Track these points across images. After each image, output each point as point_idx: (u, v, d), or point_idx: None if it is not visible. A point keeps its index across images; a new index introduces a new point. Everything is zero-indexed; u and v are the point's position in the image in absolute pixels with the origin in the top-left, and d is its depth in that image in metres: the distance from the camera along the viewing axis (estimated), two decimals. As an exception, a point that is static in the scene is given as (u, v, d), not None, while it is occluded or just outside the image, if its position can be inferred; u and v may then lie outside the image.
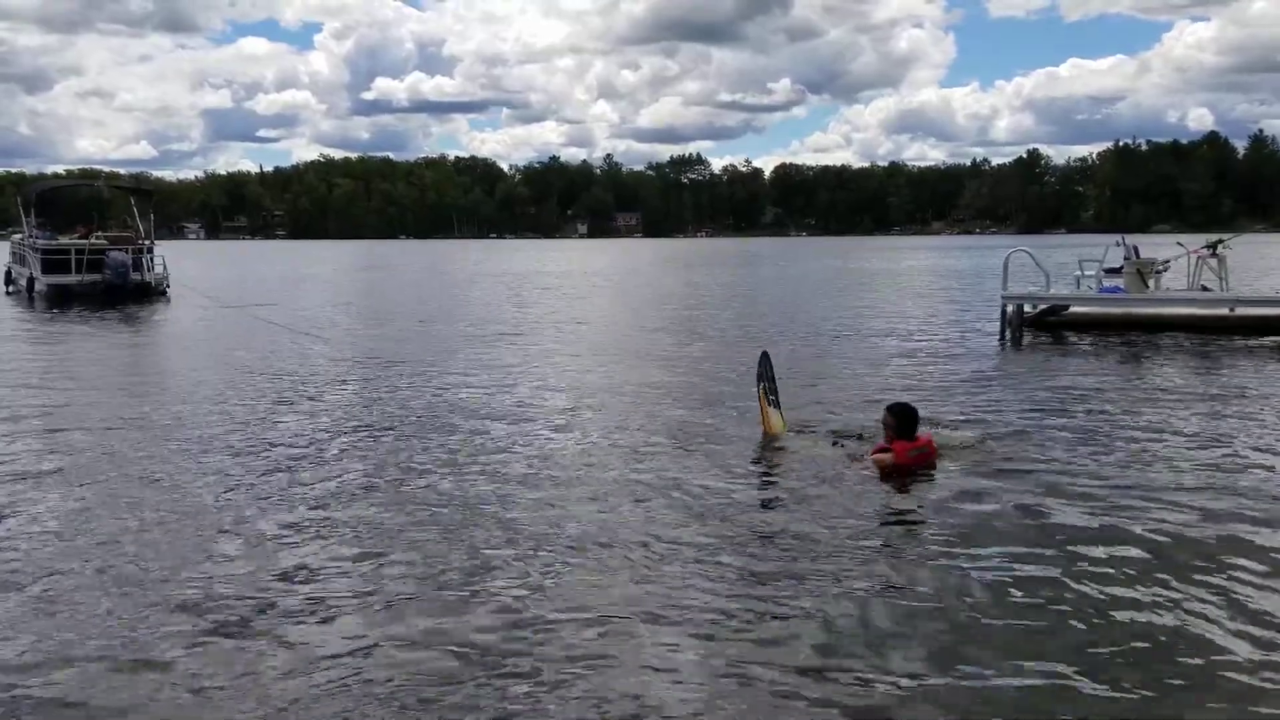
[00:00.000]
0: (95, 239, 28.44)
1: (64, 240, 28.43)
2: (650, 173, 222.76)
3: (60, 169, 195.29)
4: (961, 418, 9.93)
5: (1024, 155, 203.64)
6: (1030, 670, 4.38)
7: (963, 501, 6.95)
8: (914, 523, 6.57)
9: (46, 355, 16.40)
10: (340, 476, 7.88)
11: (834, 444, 8.45)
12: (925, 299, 28.79)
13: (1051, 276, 18.91)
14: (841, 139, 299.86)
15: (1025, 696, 4.16)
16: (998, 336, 17.63)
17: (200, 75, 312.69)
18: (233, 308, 25.75)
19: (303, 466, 8.22)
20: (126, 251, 27.69)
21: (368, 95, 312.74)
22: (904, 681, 4.27)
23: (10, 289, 31.30)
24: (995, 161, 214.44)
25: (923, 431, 8.13)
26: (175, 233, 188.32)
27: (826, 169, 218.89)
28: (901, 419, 7.93)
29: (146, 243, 29.45)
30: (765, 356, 9.49)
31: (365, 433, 9.61)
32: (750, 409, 9.71)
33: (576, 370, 14.01)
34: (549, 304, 27.88)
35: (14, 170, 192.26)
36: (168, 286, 29.13)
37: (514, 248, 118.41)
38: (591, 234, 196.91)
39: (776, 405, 9.27)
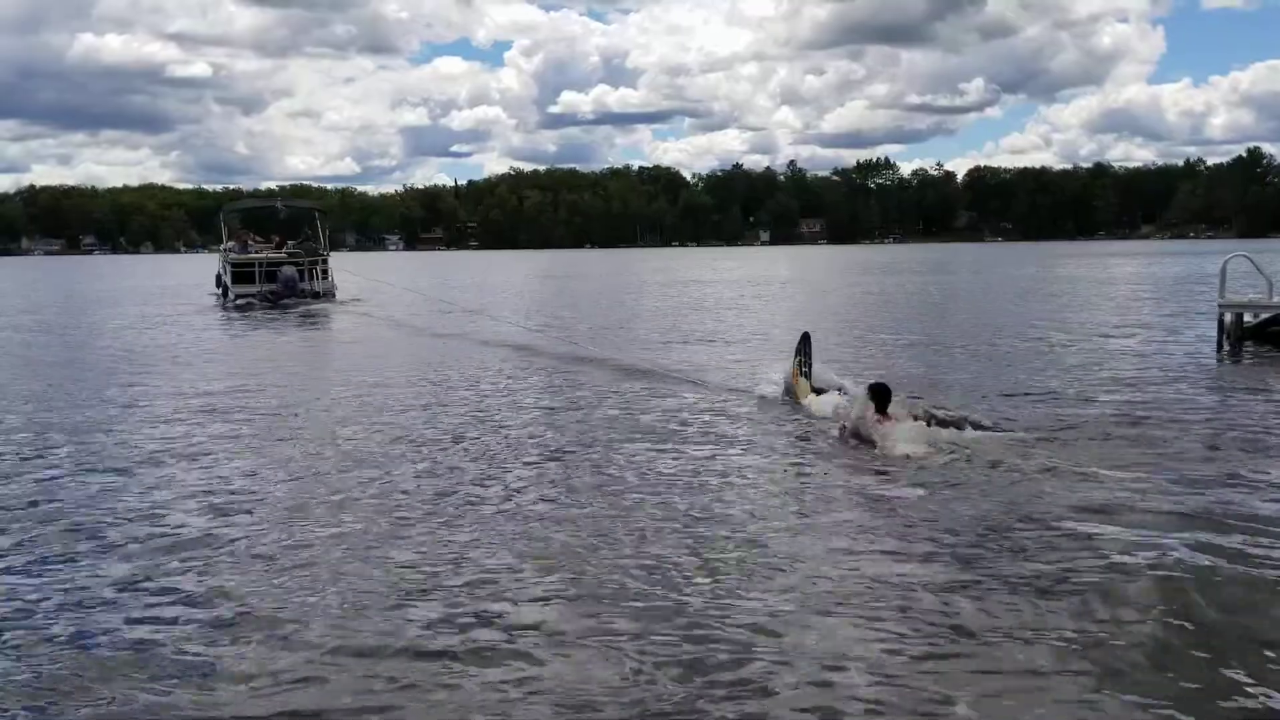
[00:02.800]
0: (285, 251, 32.97)
1: (250, 255, 32.77)
2: (835, 178, 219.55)
3: (273, 185, 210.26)
4: (1169, 434, 9.18)
5: (1243, 154, 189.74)
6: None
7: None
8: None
9: (237, 347, 17.66)
10: (504, 471, 8.02)
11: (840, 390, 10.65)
12: (1134, 307, 27.01)
13: (1275, 283, 17.31)
14: (1040, 140, 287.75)
15: None
16: (1214, 348, 16.31)
17: (399, 94, 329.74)
18: (401, 314, 26.91)
19: (464, 465, 8.41)
20: (302, 263, 32.37)
21: (554, 109, 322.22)
22: None
23: (220, 293, 35.50)
24: (1211, 161, 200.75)
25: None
26: (377, 244, 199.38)
27: (1025, 171, 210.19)
28: (877, 397, 8.98)
29: (324, 254, 33.76)
30: (806, 336, 11.68)
31: (522, 433, 9.75)
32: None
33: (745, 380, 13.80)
34: (727, 313, 27.75)
35: (231, 186, 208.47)
36: (335, 292, 32.97)
37: (697, 256, 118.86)
38: (774, 241, 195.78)
39: (807, 376, 11.31)
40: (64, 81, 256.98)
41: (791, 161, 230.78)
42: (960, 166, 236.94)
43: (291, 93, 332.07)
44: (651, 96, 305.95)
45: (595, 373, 14.58)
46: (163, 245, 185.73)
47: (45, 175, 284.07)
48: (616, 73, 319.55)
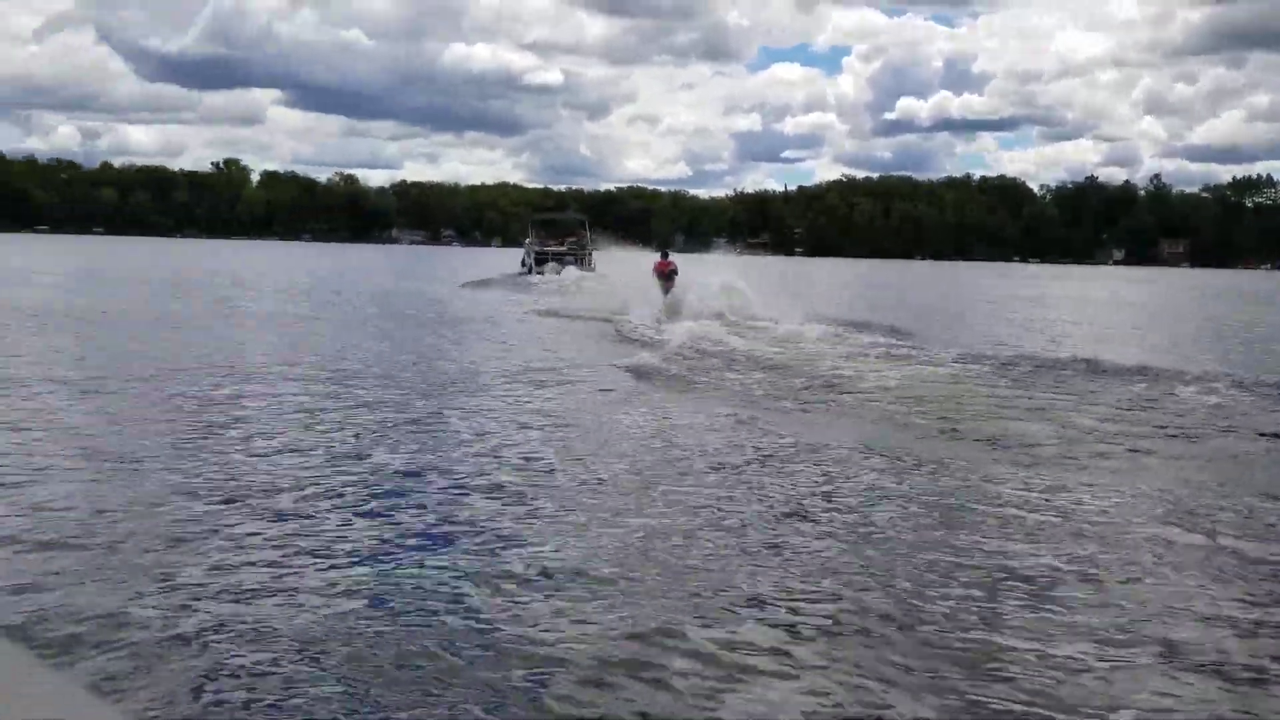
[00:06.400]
0: (566, 246, 52.95)
1: (546, 248, 52.92)
2: (1205, 195, 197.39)
3: (610, 186, 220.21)
4: None
5: None
6: None
7: None
8: None
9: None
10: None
11: None
12: None
13: None
14: None
15: None
16: None
17: (734, 100, 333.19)
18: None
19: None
20: (576, 254, 51.62)
21: (890, 115, 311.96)
22: None
23: (523, 270, 53.11)
24: None
25: None
26: (704, 245, 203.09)
27: None
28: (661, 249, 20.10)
29: (589, 249, 52.76)
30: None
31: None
32: None
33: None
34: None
35: (573, 187, 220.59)
36: (595, 269, 48.23)
37: (1039, 274, 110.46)
38: (1127, 261, 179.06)
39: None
40: (436, 87, 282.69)
41: (1155, 175, 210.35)
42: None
43: (634, 98, 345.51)
44: (998, 103, 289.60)
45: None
46: (510, 240, 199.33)
47: (415, 172, 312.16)
48: (960, 78, 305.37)
